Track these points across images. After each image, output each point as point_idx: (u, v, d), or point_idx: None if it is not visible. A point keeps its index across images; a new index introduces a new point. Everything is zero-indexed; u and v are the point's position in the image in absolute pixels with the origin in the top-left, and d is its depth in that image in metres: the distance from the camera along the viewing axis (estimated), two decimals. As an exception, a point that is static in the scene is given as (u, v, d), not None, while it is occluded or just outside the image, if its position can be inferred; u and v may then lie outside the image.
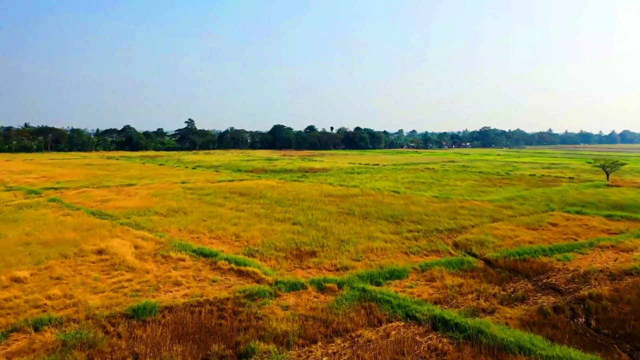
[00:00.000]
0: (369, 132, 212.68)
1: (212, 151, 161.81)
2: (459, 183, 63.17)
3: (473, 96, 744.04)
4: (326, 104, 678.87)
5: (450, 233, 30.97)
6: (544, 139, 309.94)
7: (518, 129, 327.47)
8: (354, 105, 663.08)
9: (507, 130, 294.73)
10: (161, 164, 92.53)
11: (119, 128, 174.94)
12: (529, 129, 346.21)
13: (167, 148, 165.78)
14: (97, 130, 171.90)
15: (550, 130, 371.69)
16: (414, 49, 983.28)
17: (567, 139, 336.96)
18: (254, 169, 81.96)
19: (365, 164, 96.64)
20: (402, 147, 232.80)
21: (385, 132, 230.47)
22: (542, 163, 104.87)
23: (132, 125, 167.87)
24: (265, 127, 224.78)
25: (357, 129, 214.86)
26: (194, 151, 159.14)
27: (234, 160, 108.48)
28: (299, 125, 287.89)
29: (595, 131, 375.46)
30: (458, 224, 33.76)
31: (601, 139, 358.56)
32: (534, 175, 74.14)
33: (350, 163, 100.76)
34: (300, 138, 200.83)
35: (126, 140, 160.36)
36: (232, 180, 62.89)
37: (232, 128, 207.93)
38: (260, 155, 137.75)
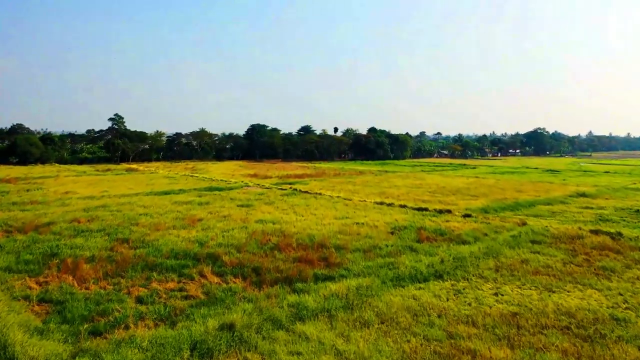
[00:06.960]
0: (387, 135, 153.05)
1: (141, 165, 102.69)
2: None
3: (496, 95, 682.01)
4: (326, 101, 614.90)
5: None
6: (604, 143, 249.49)
7: (556, 131, 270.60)
8: (357, 102, 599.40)
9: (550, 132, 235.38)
10: None
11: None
12: (565, 132, 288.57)
13: (80, 160, 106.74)
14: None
15: (590, 132, 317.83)
16: (433, 44, 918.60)
17: (627, 145, 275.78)
18: (111, 246, 23.46)
19: (419, 210, 38.06)
20: (431, 155, 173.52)
21: (408, 134, 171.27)
22: None
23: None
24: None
25: (372, 130, 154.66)
26: (112, 165, 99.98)
27: (124, 198, 49.21)
28: (289, 126, 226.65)
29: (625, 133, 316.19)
30: None
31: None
32: None
33: (380, 203, 42.12)
34: (290, 143, 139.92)
35: (9, 147, 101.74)
36: None
37: (202, 129, 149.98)
38: (215, 174, 78.28)
